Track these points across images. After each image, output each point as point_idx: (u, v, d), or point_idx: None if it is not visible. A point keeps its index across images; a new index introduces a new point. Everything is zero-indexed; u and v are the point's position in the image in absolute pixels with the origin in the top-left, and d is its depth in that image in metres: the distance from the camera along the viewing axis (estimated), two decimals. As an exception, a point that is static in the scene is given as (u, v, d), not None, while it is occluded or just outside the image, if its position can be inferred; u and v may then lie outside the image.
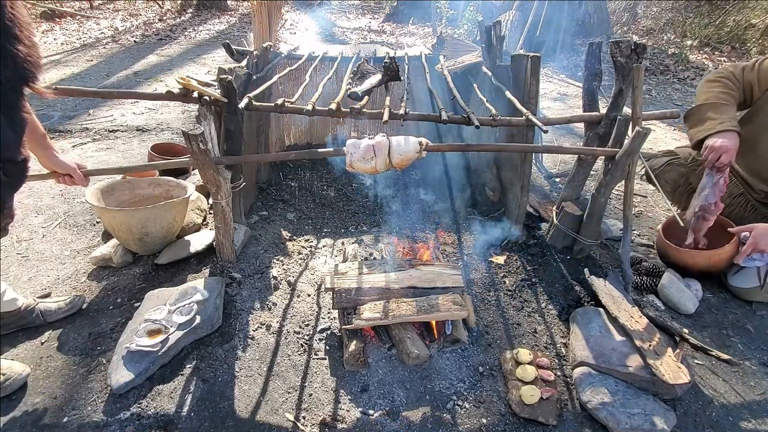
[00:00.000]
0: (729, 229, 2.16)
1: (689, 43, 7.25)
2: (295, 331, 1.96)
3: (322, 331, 1.98)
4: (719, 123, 2.02)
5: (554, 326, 2.04)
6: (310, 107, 2.01)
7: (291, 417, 1.61)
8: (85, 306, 2.04)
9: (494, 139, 2.80)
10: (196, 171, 2.33)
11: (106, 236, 2.53)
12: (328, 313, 2.08)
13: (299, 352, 1.87)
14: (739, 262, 2.12)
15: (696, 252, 2.19)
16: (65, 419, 1.55)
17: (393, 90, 2.54)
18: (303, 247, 2.57)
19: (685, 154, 2.51)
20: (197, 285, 2.01)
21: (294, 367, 1.80)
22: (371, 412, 1.63)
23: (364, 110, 2.04)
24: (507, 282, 2.29)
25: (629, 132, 2.03)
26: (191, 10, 9.69)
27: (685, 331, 1.93)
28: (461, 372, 1.80)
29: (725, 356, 1.80)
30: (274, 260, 2.38)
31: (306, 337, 1.94)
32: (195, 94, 2.01)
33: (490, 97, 2.47)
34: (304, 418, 1.61)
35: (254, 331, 1.94)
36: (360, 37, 8.47)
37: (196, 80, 2.12)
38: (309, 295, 2.19)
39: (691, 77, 6.21)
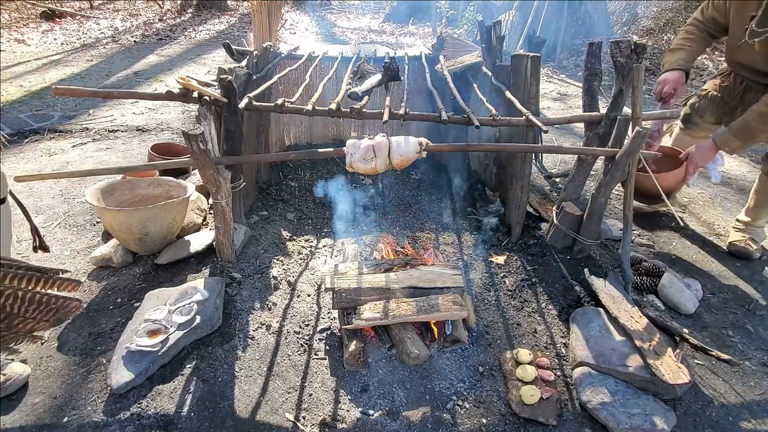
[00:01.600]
0: (680, 156, 2.56)
1: (689, 43, 7.23)
2: (295, 331, 1.96)
3: (322, 331, 1.98)
4: (668, 65, 2.48)
5: (554, 326, 2.04)
6: (310, 107, 2.01)
7: (291, 417, 1.61)
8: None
9: (494, 139, 2.80)
10: (196, 171, 2.33)
11: (106, 236, 2.53)
12: (328, 313, 2.08)
13: (299, 352, 1.87)
14: (688, 183, 2.56)
15: (667, 174, 2.50)
16: (65, 419, 1.55)
17: (393, 90, 2.54)
18: (303, 247, 2.57)
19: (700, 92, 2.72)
20: (197, 285, 2.01)
21: (294, 367, 1.80)
22: (371, 412, 1.63)
23: (364, 110, 2.04)
24: (507, 282, 2.29)
25: (629, 132, 2.03)
26: (191, 10, 9.69)
27: (685, 331, 1.93)
28: (461, 372, 1.80)
29: (725, 356, 1.80)
30: (274, 260, 2.38)
31: (306, 337, 1.94)
32: (195, 94, 2.01)
33: (490, 97, 2.47)
34: (304, 418, 1.61)
35: (254, 331, 1.94)
36: (360, 37, 8.47)
37: (196, 80, 2.13)
38: (309, 295, 2.19)
39: (691, 77, 6.20)
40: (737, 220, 2.70)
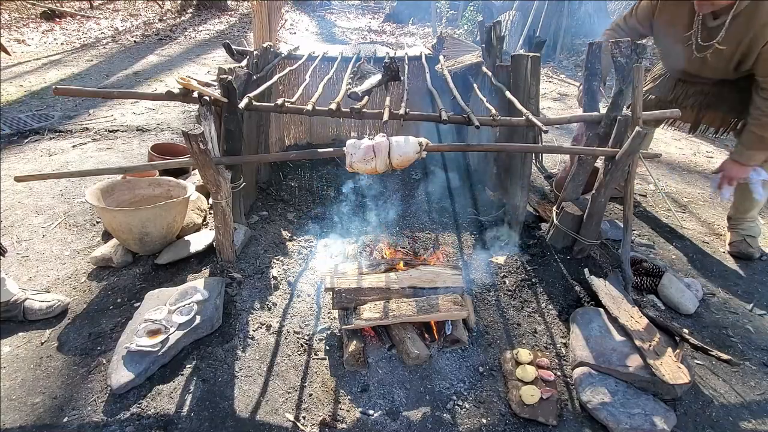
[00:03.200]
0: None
1: (689, 43, 7.24)
2: (295, 331, 1.96)
3: (322, 331, 1.98)
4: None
5: (554, 326, 2.04)
6: (310, 107, 2.01)
7: (291, 417, 1.61)
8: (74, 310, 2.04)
9: (494, 139, 2.80)
10: (196, 171, 2.33)
11: (106, 236, 2.53)
12: (328, 313, 2.08)
13: (299, 352, 1.87)
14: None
15: None
16: (65, 419, 1.55)
17: (393, 90, 2.54)
18: (303, 247, 2.57)
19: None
20: (197, 285, 2.01)
21: (294, 367, 1.80)
22: (371, 412, 1.63)
23: (364, 110, 2.04)
24: (507, 282, 2.29)
25: (629, 132, 2.03)
26: (191, 10, 9.69)
27: (685, 331, 1.93)
28: (461, 372, 1.80)
29: (725, 356, 1.80)
30: (274, 260, 2.38)
31: (306, 337, 1.94)
32: (195, 94, 2.01)
33: (490, 97, 2.46)
34: (304, 418, 1.61)
35: (254, 331, 1.94)
36: (360, 37, 8.47)
37: (196, 80, 2.12)
38: (309, 295, 2.19)
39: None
40: (728, 218, 2.70)
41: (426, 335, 1.92)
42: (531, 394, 1.65)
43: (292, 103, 2.07)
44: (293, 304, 2.12)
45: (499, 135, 2.71)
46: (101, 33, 7.76)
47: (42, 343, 1.86)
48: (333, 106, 2.00)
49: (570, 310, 2.08)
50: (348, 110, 2.03)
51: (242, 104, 2.00)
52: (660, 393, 1.66)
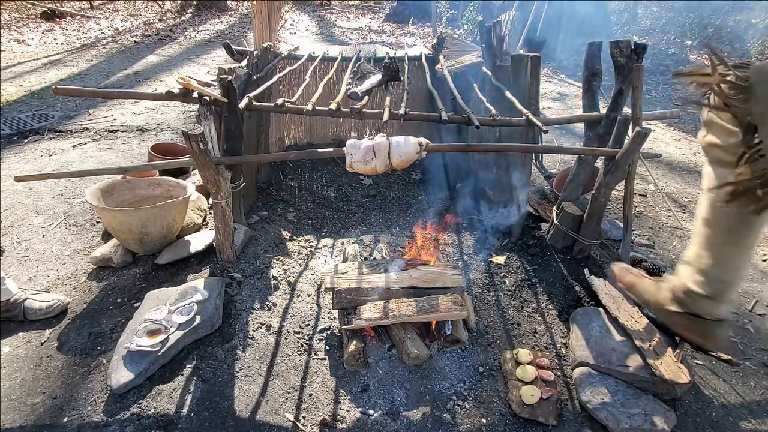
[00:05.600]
0: None
1: (689, 43, 7.24)
2: (295, 331, 1.96)
3: (322, 331, 1.98)
4: None
5: (554, 326, 2.04)
6: (310, 107, 2.01)
7: (291, 417, 1.61)
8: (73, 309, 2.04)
9: (495, 139, 2.80)
10: (196, 171, 2.33)
11: (106, 236, 2.53)
12: (328, 313, 2.08)
13: (299, 352, 1.87)
14: None
15: None
16: (65, 419, 1.55)
17: (393, 90, 2.54)
18: (303, 247, 2.57)
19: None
20: (197, 285, 2.01)
21: (294, 367, 1.80)
22: (371, 412, 1.63)
23: (364, 110, 2.04)
24: (507, 282, 2.29)
25: (629, 132, 2.03)
26: (191, 10, 9.70)
27: (685, 331, 1.92)
28: (461, 372, 1.80)
29: (725, 356, 1.80)
30: (274, 260, 2.38)
31: (306, 337, 1.94)
32: (195, 94, 2.01)
33: (490, 97, 2.47)
34: (304, 418, 1.61)
35: (254, 331, 1.94)
36: (360, 37, 8.47)
37: (196, 80, 2.13)
38: (309, 295, 2.19)
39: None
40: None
41: (426, 335, 1.92)
42: (531, 394, 1.65)
43: (292, 103, 2.07)
44: (293, 304, 2.12)
45: (500, 135, 2.72)
46: (101, 33, 7.76)
47: (42, 343, 1.86)
48: (333, 106, 2.00)
49: (570, 310, 2.08)
50: (348, 110, 2.03)
51: (242, 104, 2.00)
52: (660, 393, 1.66)
